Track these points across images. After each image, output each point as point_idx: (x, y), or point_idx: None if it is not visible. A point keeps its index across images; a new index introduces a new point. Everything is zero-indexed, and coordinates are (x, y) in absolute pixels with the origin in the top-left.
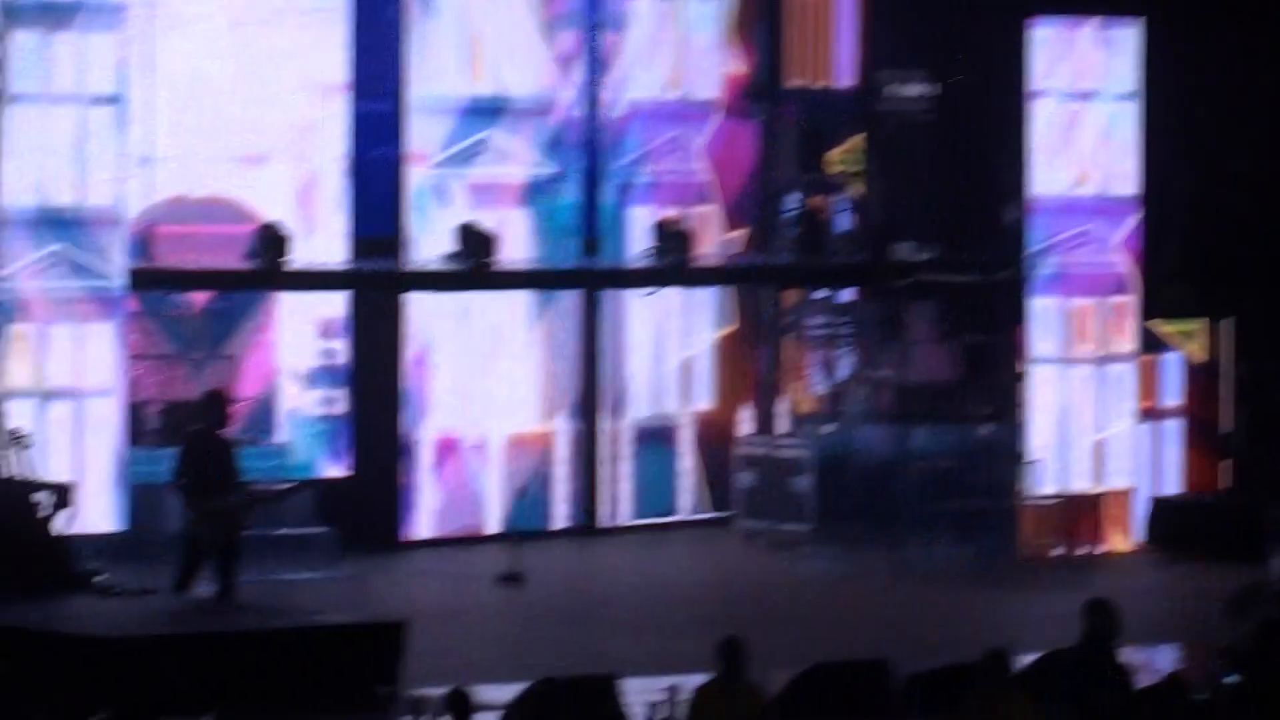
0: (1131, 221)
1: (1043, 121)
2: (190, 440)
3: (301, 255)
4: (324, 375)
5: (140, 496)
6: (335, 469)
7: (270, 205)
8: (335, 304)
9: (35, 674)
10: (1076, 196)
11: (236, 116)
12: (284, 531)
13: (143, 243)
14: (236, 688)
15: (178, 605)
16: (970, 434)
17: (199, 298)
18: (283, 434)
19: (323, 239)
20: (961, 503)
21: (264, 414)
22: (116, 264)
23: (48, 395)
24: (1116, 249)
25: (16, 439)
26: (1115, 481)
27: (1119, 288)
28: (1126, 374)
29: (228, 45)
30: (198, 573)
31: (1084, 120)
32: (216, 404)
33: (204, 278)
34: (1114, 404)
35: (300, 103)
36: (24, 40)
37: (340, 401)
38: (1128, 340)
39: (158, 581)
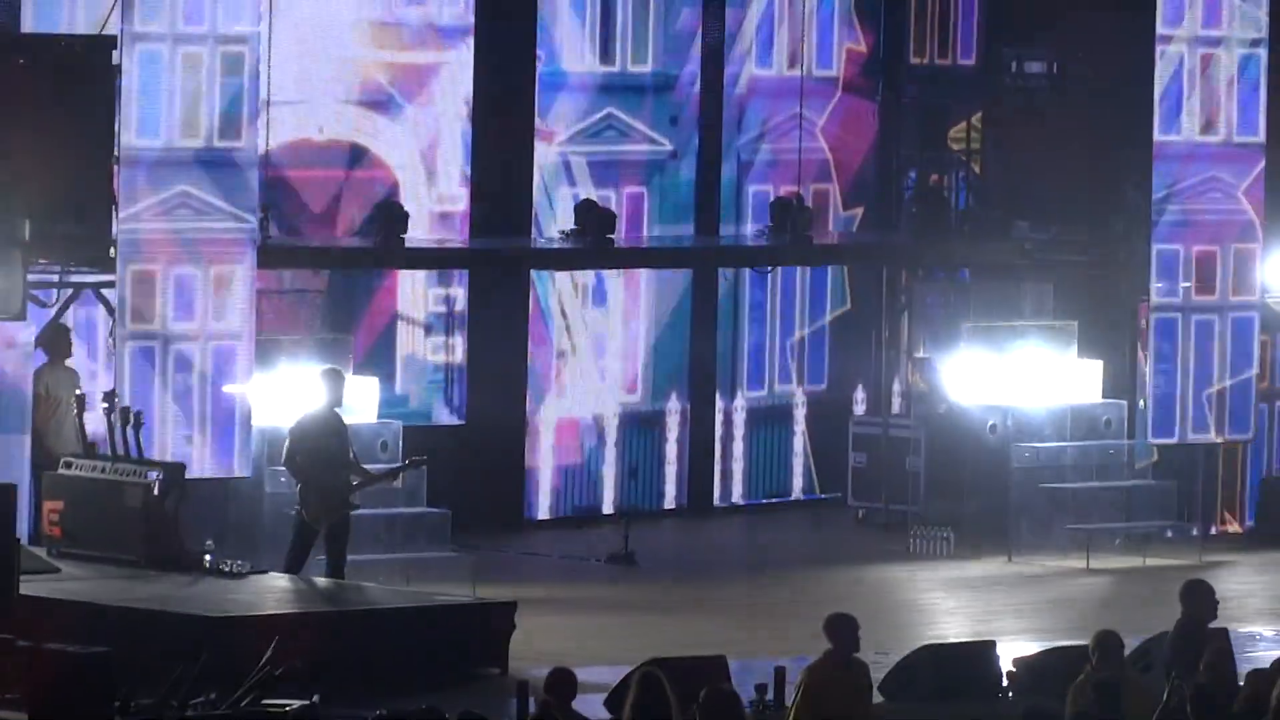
0: (1258, 169)
1: (1170, 67)
2: (303, 420)
3: (425, 203)
4: (441, 322)
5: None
6: (450, 418)
7: (394, 150)
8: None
9: (146, 653)
10: (1203, 142)
11: (361, 60)
12: (397, 510)
13: (268, 186)
14: (345, 666)
15: (288, 584)
16: (1085, 415)
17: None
18: (399, 379)
19: (445, 185)
20: (1073, 486)
21: (381, 358)
22: (246, 205)
23: (171, 338)
24: (1242, 196)
25: (128, 417)
26: (1234, 433)
27: (1244, 235)
28: (1250, 322)
29: None
30: (309, 552)
31: (1213, 66)
32: (332, 382)
33: (325, 256)
34: (1238, 353)
35: (426, 48)
36: None
37: (457, 349)
38: (1254, 289)
39: (270, 559)
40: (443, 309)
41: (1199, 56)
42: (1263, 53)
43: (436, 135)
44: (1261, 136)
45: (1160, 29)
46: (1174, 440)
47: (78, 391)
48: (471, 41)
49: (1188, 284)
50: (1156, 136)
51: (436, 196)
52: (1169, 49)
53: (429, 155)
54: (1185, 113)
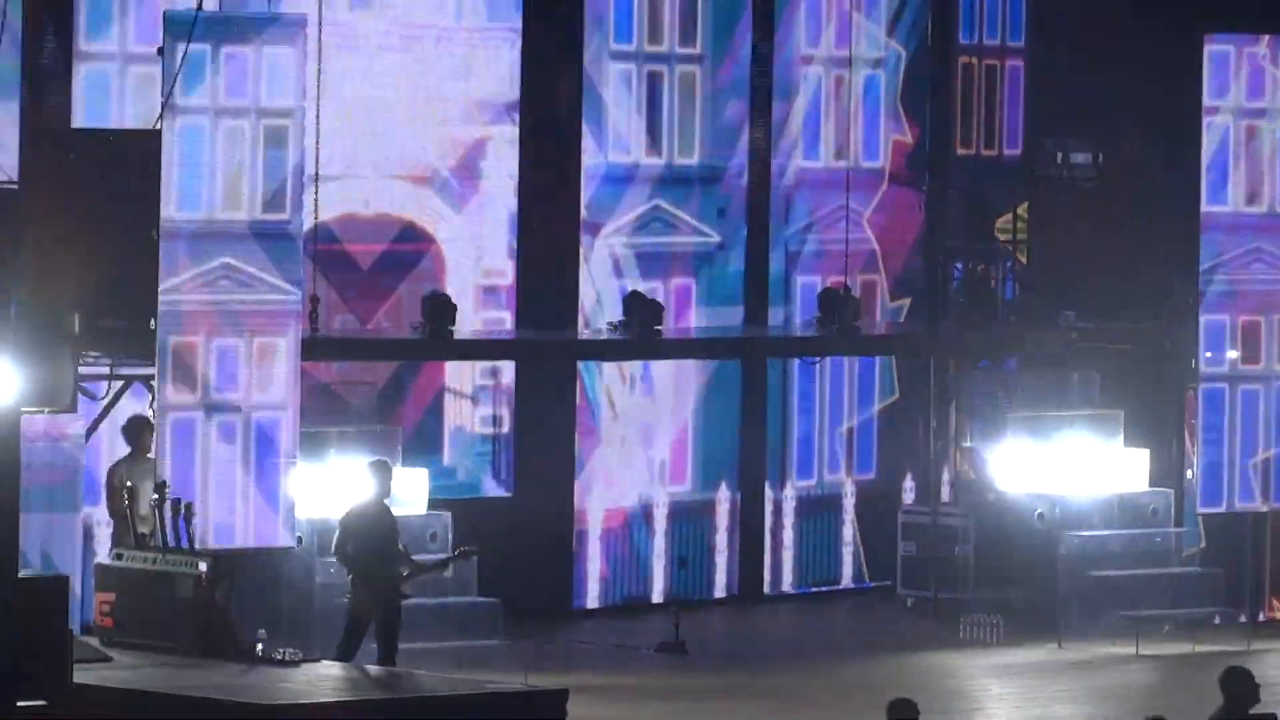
0: None
1: (1215, 139)
2: (352, 511)
3: (471, 276)
4: (488, 395)
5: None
6: (497, 489)
7: (441, 224)
8: (503, 326)
9: None
10: (1248, 213)
11: (407, 135)
12: (448, 600)
13: (311, 258)
14: None
15: (340, 672)
16: (1132, 503)
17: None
18: (447, 452)
19: (491, 260)
20: (1121, 573)
21: (429, 433)
22: (290, 278)
23: (214, 408)
24: None
25: (179, 508)
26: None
27: None
28: None
29: (396, 63)
30: (360, 640)
31: (1257, 138)
32: (380, 474)
33: (374, 347)
34: None
35: (470, 122)
36: (193, 52)
37: (504, 421)
38: None
39: (322, 648)
40: (489, 381)
41: (1244, 128)
42: None
43: (483, 210)
44: None
45: (1206, 100)
46: (1222, 509)
47: (161, 481)
48: (518, 118)
49: (1235, 355)
50: (1204, 207)
51: (483, 271)
52: (1215, 120)
53: (476, 230)
54: (1231, 184)
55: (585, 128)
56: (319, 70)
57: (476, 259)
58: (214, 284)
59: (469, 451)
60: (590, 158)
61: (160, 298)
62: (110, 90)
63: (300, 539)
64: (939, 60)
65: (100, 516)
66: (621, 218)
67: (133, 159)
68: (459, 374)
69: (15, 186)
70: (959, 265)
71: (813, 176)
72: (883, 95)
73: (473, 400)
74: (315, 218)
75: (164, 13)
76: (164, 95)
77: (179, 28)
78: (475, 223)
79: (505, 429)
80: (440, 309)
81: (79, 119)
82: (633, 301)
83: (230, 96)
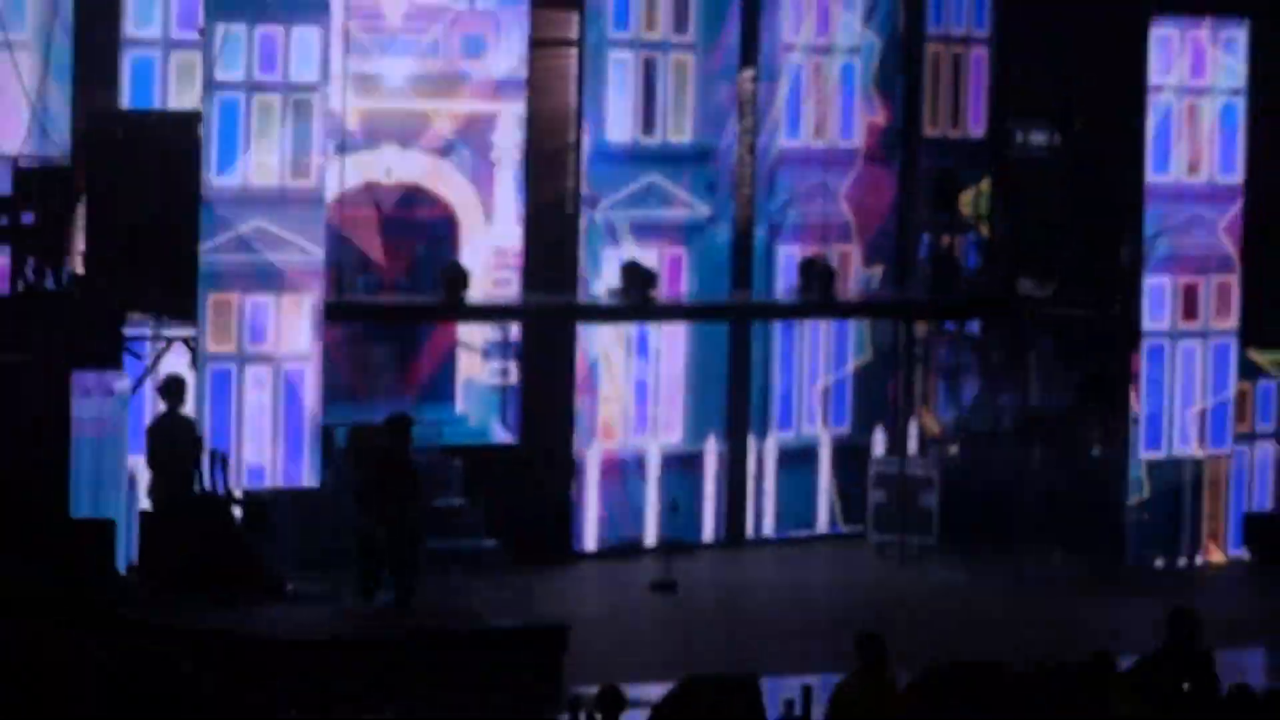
0: (1236, 206)
1: (1160, 115)
2: (374, 459)
3: (481, 241)
4: (497, 349)
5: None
6: (505, 436)
7: (455, 191)
8: (511, 286)
9: (226, 675)
10: (1189, 183)
11: (424, 109)
12: (458, 544)
13: (336, 224)
14: (412, 686)
15: (360, 610)
16: (1083, 456)
17: (388, 276)
18: (459, 400)
19: (501, 224)
20: (1072, 519)
21: (444, 382)
22: (315, 240)
23: (248, 360)
24: (1222, 232)
25: (215, 459)
26: (1214, 448)
27: (1223, 267)
28: (1227, 348)
29: (414, 43)
30: (379, 580)
31: (1198, 113)
32: (399, 426)
33: (392, 312)
34: (1219, 375)
35: (482, 98)
36: (230, 32)
37: (511, 374)
38: (1232, 316)
39: (346, 588)
40: (499, 337)
41: (1186, 105)
42: (1241, 101)
43: (493, 177)
44: (1239, 177)
45: (1152, 79)
46: (1162, 455)
47: (195, 436)
48: (525, 95)
49: (1173, 313)
50: (1148, 178)
51: (494, 234)
52: (1160, 98)
53: (486, 194)
54: (1174, 156)
55: (586, 108)
56: (345, 49)
57: (487, 224)
58: (247, 245)
59: (479, 400)
60: (590, 136)
61: (201, 258)
62: (154, 74)
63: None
64: (909, 48)
65: (143, 466)
66: (619, 192)
67: (175, 136)
68: (470, 330)
69: (69, 164)
70: (926, 237)
71: (794, 154)
72: (858, 80)
73: (483, 354)
74: (341, 185)
75: None
76: (205, 71)
77: (219, 9)
78: (486, 191)
79: (513, 380)
80: (455, 279)
81: (126, 100)
82: (630, 270)
83: (263, 72)
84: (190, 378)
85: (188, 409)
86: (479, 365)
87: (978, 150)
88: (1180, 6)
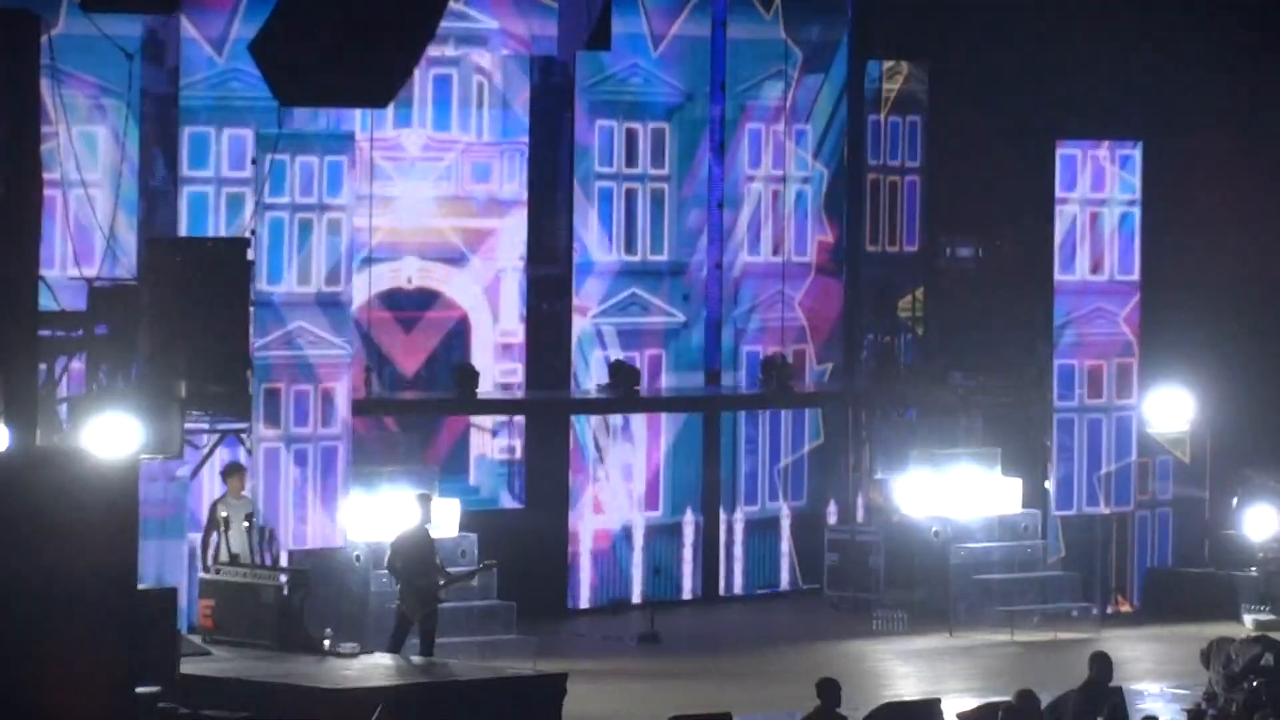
0: (1134, 299)
1: (1066, 223)
2: (401, 535)
3: (490, 335)
4: (505, 429)
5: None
6: (512, 503)
7: (465, 294)
8: (517, 375)
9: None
10: (1093, 280)
11: (438, 226)
12: (474, 603)
13: (366, 324)
14: None
15: (390, 662)
16: (1009, 522)
17: (410, 364)
18: (472, 473)
19: (506, 321)
20: (1000, 577)
21: (459, 458)
22: (345, 336)
23: (291, 440)
24: (1122, 321)
25: (264, 534)
26: (1120, 506)
27: (1123, 352)
28: (1129, 420)
29: (429, 169)
30: (405, 636)
31: (1099, 221)
32: (424, 504)
33: (414, 406)
34: (1122, 443)
35: (489, 216)
36: (276, 161)
37: (518, 450)
38: (1132, 394)
39: (376, 643)
40: (506, 419)
41: (1088, 214)
42: (1136, 210)
43: (498, 282)
44: (1136, 275)
45: (1058, 193)
46: (1073, 512)
47: (249, 513)
48: (525, 213)
49: (1081, 391)
50: (1057, 277)
51: (500, 331)
52: (1065, 208)
53: (493, 297)
54: (1078, 258)
55: (576, 229)
56: (370, 174)
57: (494, 322)
58: (291, 342)
59: (490, 473)
60: (579, 255)
61: (254, 354)
62: (208, 206)
63: (359, 557)
64: (853, 177)
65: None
66: (606, 302)
67: (227, 258)
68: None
69: (136, 283)
70: (870, 336)
71: (755, 269)
72: (810, 205)
73: (493, 434)
74: (369, 291)
75: (258, 132)
76: (257, 194)
77: (267, 142)
78: (494, 295)
79: (518, 455)
80: (467, 375)
81: (183, 229)
82: (616, 368)
83: (302, 195)
84: (246, 462)
85: (245, 490)
86: (489, 443)
87: (913, 262)
88: (1082, 131)
